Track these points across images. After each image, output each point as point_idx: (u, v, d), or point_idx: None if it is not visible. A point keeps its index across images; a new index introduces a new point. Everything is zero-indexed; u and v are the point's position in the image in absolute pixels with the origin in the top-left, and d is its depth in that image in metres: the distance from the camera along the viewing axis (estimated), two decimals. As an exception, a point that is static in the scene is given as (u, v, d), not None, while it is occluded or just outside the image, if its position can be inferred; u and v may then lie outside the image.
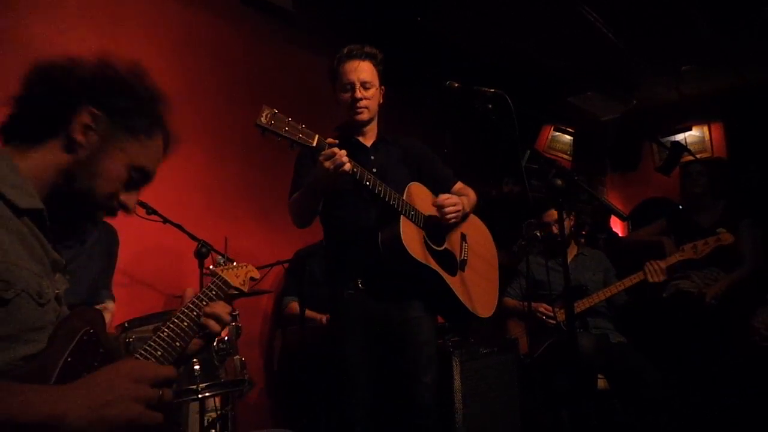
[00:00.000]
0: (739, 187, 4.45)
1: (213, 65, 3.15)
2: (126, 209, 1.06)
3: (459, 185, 2.24)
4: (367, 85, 2.01)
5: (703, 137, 5.56)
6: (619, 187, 6.18)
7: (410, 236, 1.87)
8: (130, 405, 0.82)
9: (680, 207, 3.84)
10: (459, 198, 2.06)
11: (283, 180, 3.41)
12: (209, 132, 3.09)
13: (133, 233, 2.46)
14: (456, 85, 1.93)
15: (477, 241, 2.23)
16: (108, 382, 0.83)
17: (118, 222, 2.39)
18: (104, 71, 1.03)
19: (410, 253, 1.84)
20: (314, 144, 1.65)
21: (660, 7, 3.90)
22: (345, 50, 2.03)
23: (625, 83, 5.18)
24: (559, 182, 1.90)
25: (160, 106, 1.10)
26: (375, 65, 2.04)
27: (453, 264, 2.06)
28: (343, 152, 1.68)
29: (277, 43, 3.49)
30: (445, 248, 2.04)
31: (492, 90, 1.88)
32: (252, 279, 1.49)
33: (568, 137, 5.17)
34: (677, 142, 5.17)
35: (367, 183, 1.79)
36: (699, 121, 5.55)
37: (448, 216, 2.00)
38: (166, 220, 2.38)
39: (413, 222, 1.92)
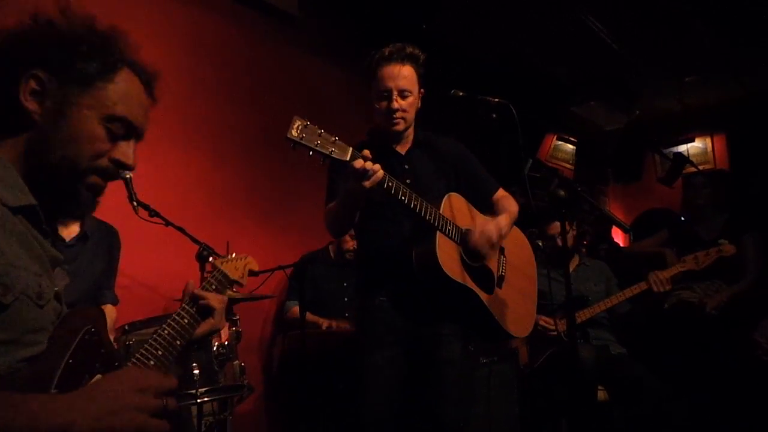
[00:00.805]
0: (741, 199, 4.45)
1: (217, 68, 3.16)
2: (125, 166, 0.96)
3: (500, 193, 2.14)
4: (405, 94, 1.88)
5: (706, 148, 5.57)
6: (622, 198, 6.18)
7: (446, 253, 1.81)
8: (135, 414, 0.82)
9: (682, 218, 3.83)
10: (495, 222, 1.93)
11: (286, 184, 3.44)
12: (212, 135, 3.09)
13: (135, 235, 2.46)
14: (461, 93, 1.93)
15: (516, 255, 2.14)
16: (112, 392, 0.82)
17: (121, 224, 2.40)
18: (34, 28, 0.91)
19: (445, 271, 1.77)
20: (347, 158, 1.56)
21: (664, 19, 3.91)
22: (386, 51, 1.88)
23: (629, 93, 5.19)
24: (562, 193, 1.90)
25: (111, 43, 0.96)
26: (416, 68, 1.91)
27: (490, 281, 1.98)
28: (377, 166, 1.60)
29: (282, 47, 3.50)
30: (482, 264, 1.96)
31: (496, 99, 1.88)
32: (251, 272, 1.48)
33: (570, 146, 5.18)
34: (680, 153, 5.18)
35: (402, 198, 1.70)
36: (702, 133, 5.56)
37: (484, 252, 1.90)
38: (168, 223, 2.38)
39: (450, 237, 1.85)
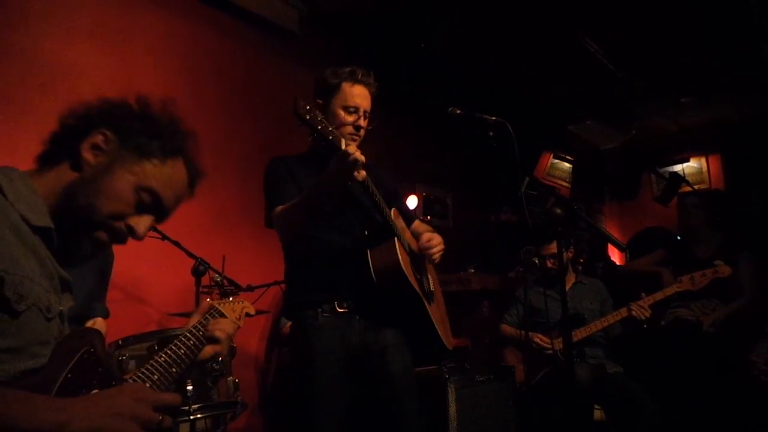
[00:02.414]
0: (737, 219, 4.47)
1: (217, 84, 3.19)
2: (134, 234, 1.04)
3: (417, 223, 2.22)
4: (367, 115, 2.00)
5: (701, 168, 5.62)
6: (618, 216, 6.20)
7: (405, 261, 1.82)
8: (128, 423, 0.84)
9: (678, 237, 3.84)
10: (440, 237, 2.03)
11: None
12: (211, 150, 3.10)
13: (130, 249, 2.44)
14: (458, 111, 1.94)
15: (433, 272, 2.20)
16: (110, 398, 0.87)
17: (117, 237, 2.40)
18: (128, 102, 1.04)
19: (408, 278, 1.78)
20: (342, 146, 1.61)
21: (660, 41, 3.97)
22: (359, 73, 1.98)
23: (625, 113, 5.24)
24: (558, 211, 1.91)
25: (181, 135, 1.08)
26: (372, 99, 2.04)
27: (427, 293, 2.01)
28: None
29: (282, 64, 3.54)
30: (421, 277, 1.99)
31: (493, 118, 1.90)
32: (247, 315, 1.50)
33: (567, 165, 5.21)
34: (675, 173, 5.22)
35: (375, 197, 1.77)
36: (697, 153, 5.62)
37: (435, 256, 1.97)
38: (164, 237, 2.37)
39: (404, 247, 1.87)
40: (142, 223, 1.04)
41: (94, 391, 0.94)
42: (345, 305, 1.87)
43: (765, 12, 3.54)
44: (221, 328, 1.28)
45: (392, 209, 1.95)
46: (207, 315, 1.30)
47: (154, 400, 0.89)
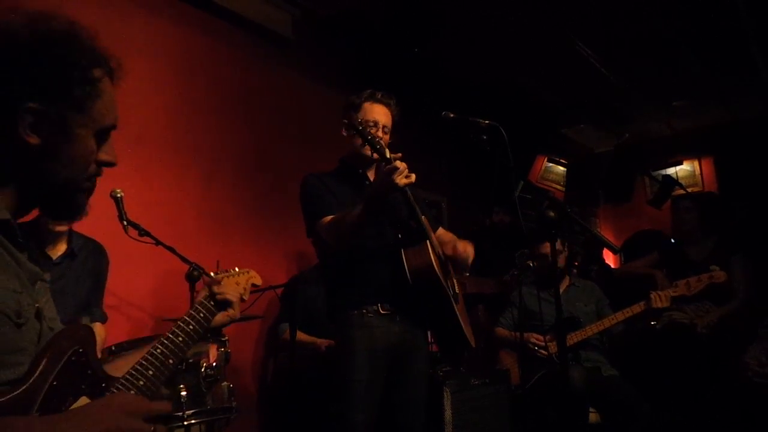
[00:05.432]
0: (729, 222, 4.49)
1: (210, 89, 3.18)
2: (110, 165, 0.99)
3: (442, 230, 2.37)
4: (386, 130, 2.15)
5: (694, 171, 5.65)
6: (612, 219, 6.23)
7: (436, 263, 1.95)
8: None
9: (672, 240, 3.86)
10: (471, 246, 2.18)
11: (277, 204, 3.44)
12: (204, 155, 3.10)
13: (124, 254, 2.45)
14: (452, 115, 1.98)
15: (455, 275, 2.31)
16: (99, 413, 0.82)
17: (110, 242, 2.39)
18: (32, 45, 0.88)
19: (440, 280, 1.91)
20: (388, 156, 1.76)
21: (652, 46, 4.00)
22: (378, 94, 2.15)
23: (618, 117, 5.27)
24: (552, 214, 1.92)
25: (95, 56, 0.96)
26: (393, 117, 2.20)
27: (454, 295, 2.11)
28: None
29: (275, 70, 3.54)
30: (446, 280, 2.08)
31: (487, 121, 1.92)
32: (254, 285, 1.45)
33: (561, 168, 5.23)
34: (668, 176, 5.25)
35: (412, 202, 1.93)
36: (690, 156, 5.65)
37: (470, 261, 2.12)
38: (158, 242, 2.36)
39: (435, 250, 1.99)
40: (109, 152, 0.98)
41: (82, 397, 0.90)
42: (387, 307, 2.00)
43: (753, 15, 3.58)
44: (231, 292, 1.27)
45: (423, 216, 2.08)
46: (200, 303, 1.25)
47: (144, 411, 0.86)
